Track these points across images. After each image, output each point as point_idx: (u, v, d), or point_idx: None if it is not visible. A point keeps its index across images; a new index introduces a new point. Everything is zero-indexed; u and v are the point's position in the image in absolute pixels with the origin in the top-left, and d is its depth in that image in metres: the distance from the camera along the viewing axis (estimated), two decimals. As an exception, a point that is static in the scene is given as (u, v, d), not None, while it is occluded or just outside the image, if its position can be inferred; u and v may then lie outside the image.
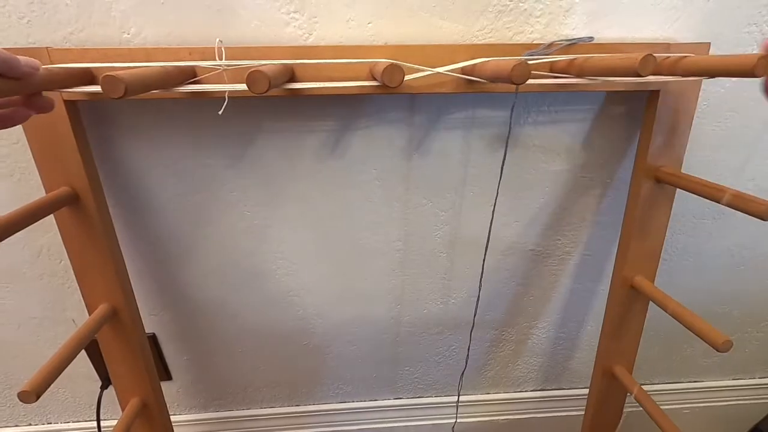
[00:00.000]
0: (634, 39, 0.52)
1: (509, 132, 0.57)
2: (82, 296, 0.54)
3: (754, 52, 0.55)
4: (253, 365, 0.77)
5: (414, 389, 0.83)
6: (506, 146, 0.59)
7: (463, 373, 0.53)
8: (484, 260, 0.48)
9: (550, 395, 0.86)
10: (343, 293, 0.70)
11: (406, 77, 0.44)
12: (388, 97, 0.55)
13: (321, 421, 0.85)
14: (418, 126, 0.57)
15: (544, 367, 0.84)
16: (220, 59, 0.42)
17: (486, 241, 0.58)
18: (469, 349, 0.52)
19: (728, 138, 0.60)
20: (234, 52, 0.46)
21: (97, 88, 0.34)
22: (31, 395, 0.39)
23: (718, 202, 0.45)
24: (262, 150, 0.57)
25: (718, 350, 0.45)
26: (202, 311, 0.69)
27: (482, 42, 0.51)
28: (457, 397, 0.58)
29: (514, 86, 0.41)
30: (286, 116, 0.55)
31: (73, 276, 0.53)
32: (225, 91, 0.42)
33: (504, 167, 0.60)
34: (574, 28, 0.51)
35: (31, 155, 0.47)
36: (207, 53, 0.45)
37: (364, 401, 0.84)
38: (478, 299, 0.46)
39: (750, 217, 0.43)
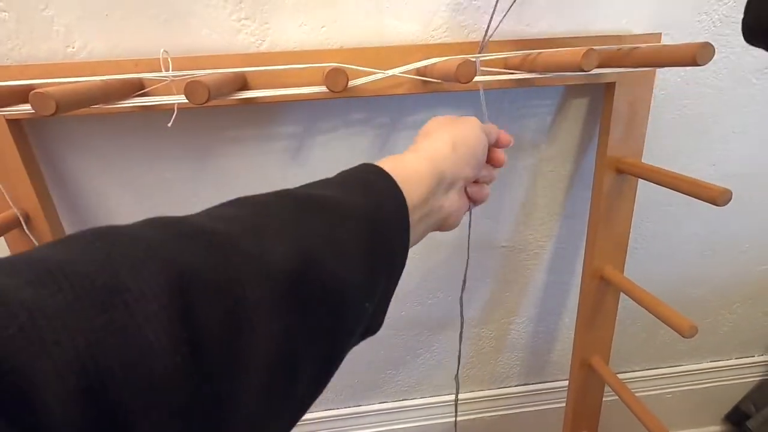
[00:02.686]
0: (588, 32, 0.53)
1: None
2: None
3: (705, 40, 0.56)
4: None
5: (397, 392, 0.83)
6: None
7: (457, 374, 0.53)
8: (468, 258, 0.48)
9: (533, 389, 0.87)
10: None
11: (359, 80, 0.44)
12: (348, 100, 0.54)
13: (303, 430, 0.84)
14: (380, 128, 0.56)
15: (526, 362, 0.84)
16: (166, 70, 0.41)
17: (467, 239, 0.57)
18: (460, 350, 0.52)
19: (688, 125, 0.61)
20: (184, 62, 0.45)
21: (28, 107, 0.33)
22: None
23: (675, 191, 0.46)
24: (224, 160, 0.55)
25: (684, 336, 0.46)
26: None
27: (438, 42, 0.51)
28: (455, 395, 0.58)
29: (474, 85, 0.41)
30: (246, 124, 0.54)
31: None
32: (173, 103, 0.41)
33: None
34: (528, 24, 0.51)
35: (-25, 178, 0.46)
36: (155, 64, 0.44)
37: (348, 407, 0.83)
38: (461, 299, 0.46)
39: (710, 202, 0.44)
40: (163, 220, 0.18)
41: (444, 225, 0.33)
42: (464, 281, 0.47)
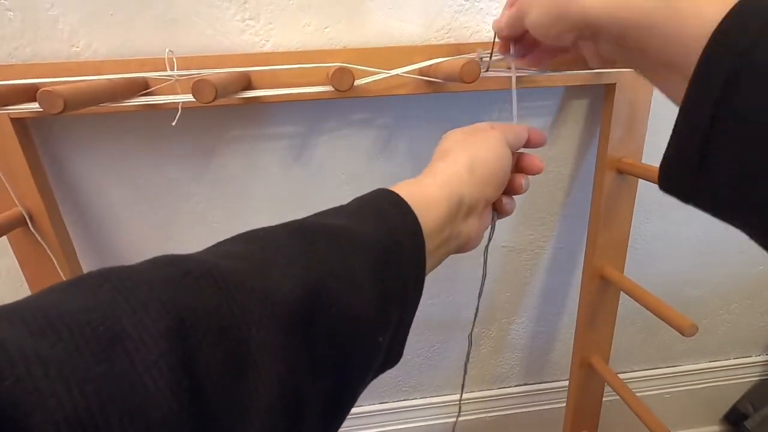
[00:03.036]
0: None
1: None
2: (44, 320, 0.52)
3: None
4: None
5: (398, 392, 0.83)
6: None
7: (465, 374, 0.53)
8: (485, 266, 0.48)
9: (533, 389, 0.87)
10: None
11: (363, 80, 0.44)
12: (350, 100, 0.54)
13: None
14: (384, 128, 0.57)
15: (526, 362, 0.84)
16: (171, 69, 0.41)
17: (486, 247, 0.58)
18: (469, 351, 0.52)
19: (687, 127, 0.62)
20: (188, 62, 0.45)
21: (36, 105, 0.33)
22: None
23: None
24: (227, 160, 0.56)
25: (684, 335, 0.46)
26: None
27: (440, 43, 0.51)
28: (459, 395, 0.58)
29: (476, 86, 0.42)
30: (248, 124, 0.54)
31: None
32: (178, 103, 0.41)
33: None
34: (529, 26, 0.52)
35: (-21, 177, 0.46)
36: (159, 64, 0.45)
37: (349, 408, 0.83)
38: (479, 301, 0.46)
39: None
40: (169, 258, 0.19)
41: (463, 249, 0.32)
42: (481, 288, 0.46)
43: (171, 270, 0.18)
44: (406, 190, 0.27)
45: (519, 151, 0.36)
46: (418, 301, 0.26)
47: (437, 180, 0.29)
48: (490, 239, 0.40)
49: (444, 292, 0.71)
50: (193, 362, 0.16)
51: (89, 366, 0.14)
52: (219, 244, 0.22)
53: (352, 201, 0.27)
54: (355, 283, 0.22)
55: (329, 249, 0.22)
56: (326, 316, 0.20)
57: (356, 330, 0.21)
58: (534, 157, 0.35)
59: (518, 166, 0.35)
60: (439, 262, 0.29)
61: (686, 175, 0.21)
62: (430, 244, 0.26)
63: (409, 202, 0.26)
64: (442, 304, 0.73)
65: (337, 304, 0.20)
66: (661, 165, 0.23)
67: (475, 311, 0.48)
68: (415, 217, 0.25)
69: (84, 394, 0.13)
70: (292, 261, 0.20)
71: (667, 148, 0.22)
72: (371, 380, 0.24)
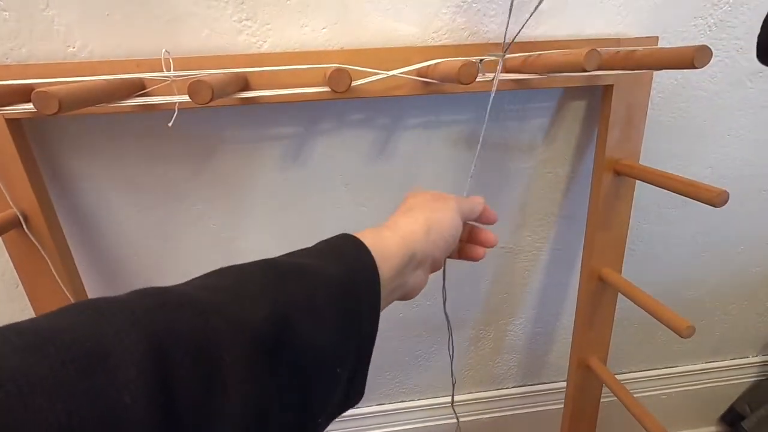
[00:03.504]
0: (587, 35, 0.53)
1: (483, 131, 0.58)
2: (39, 322, 0.51)
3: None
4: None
5: (396, 394, 0.83)
6: (479, 145, 0.59)
7: (452, 377, 0.53)
8: (444, 298, 0.49)
9: (531, 390, 0.87)
10: (317, 302, 0.69)
11: (360, 81, 0.44)
12: (348, 101, 0.54)
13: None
14: (381, 129, 0.57)
15: (524, 363, 0.84)
16: (168, 70, 0.41)
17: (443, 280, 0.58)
18: (452, 359, 0.52)
19: (684, 128, 0.62)
20: (185, 63, 0.45)
21: (31, 106, 0.33)
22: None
23: (673, 192, 0.46)
24: (224, 160, 0.55)
25: (681, 336, 0.46)
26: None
27: (438, 44, 0.51)
28: (451, 399, 0.58)
29: (465, 86, 0.41)
30: (246, 124, 0.54)
31: (29, 301, 0.51)
32: (174, 103, 0.41)
33: (473, 167, 0.60)
34: (527, 27, 0.52)
35: (-26, 178, 0.45)
36: (156, 65, 0.44)
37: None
38: (444, 301, 0.46)
39: (708, 203, 0.44)
40: (151, 290, 0.20)
41: (406, 297, 0.35)
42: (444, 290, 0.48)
43: (152, 299, 0.19)
44: (369, 238, 0.30)
45: (473, 223, 0.41)
46: (374, 338, 0.28)
47: (396, 234, 0.32)
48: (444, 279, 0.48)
49: (438, 293, 0.71)
50: (169, 382, 0.17)
51: (73, 382, 0.15)
52: (197, 278, 0.24)
53: (319, 243, 0.30)
54: (318, 316, 0.24)
55: (297, 284, 0.24)
56: (291, 344, 0.22)
57: (318, 359, 0.23)
58: (489, 233, 0.41)
59: (477, 239, 0.41)
60: (385, 307, 0.32)
61: None
62: (384, 290, 0.29)
63: (371, 250, 0.29)
64: (438, 305, 0.72)
65: (302, 334, 0.23)
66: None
67: (446, 320, 0.50)
68: (374, 263, 0.28)
69: (68, 409, 0.14)
70: (264, 292, 0.23)
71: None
72: (334, 416, 0.26)
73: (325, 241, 0.30)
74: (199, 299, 0.20)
